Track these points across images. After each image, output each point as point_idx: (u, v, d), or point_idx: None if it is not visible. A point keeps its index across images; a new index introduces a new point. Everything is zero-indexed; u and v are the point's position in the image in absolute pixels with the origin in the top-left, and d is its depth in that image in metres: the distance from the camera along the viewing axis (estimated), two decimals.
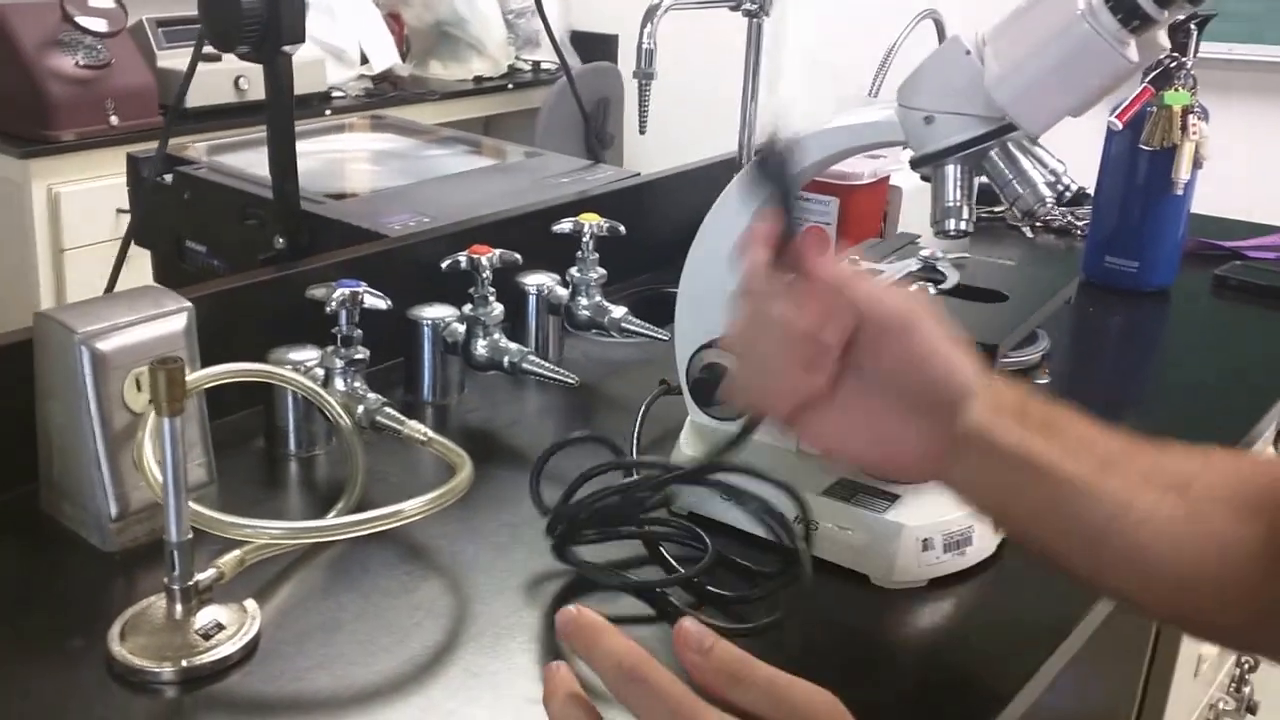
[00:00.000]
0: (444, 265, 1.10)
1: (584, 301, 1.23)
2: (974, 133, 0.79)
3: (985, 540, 0.89)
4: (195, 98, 2.94)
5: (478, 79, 3.76)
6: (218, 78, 3.01)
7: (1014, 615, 0.88)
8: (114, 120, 2.65)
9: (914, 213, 1.40)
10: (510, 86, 3.81)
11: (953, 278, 0.90)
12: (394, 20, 3.58)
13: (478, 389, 1.19)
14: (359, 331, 1.02)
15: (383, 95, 3.40)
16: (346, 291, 1.00)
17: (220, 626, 0.80)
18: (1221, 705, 1.55)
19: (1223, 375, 1.34)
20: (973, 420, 0.67)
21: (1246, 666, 1.57)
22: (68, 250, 2.57)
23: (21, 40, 2.57)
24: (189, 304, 0.94)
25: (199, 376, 0.89)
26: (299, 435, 1.05)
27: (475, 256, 1.09)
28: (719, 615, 0.84)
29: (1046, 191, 0.80)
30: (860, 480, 0.91)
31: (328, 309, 1.00)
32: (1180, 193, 1.48)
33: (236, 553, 0.83)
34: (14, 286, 2.59)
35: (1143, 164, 1.49)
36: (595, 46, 3.98)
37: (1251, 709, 1.57)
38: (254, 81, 3.03)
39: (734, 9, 1.41)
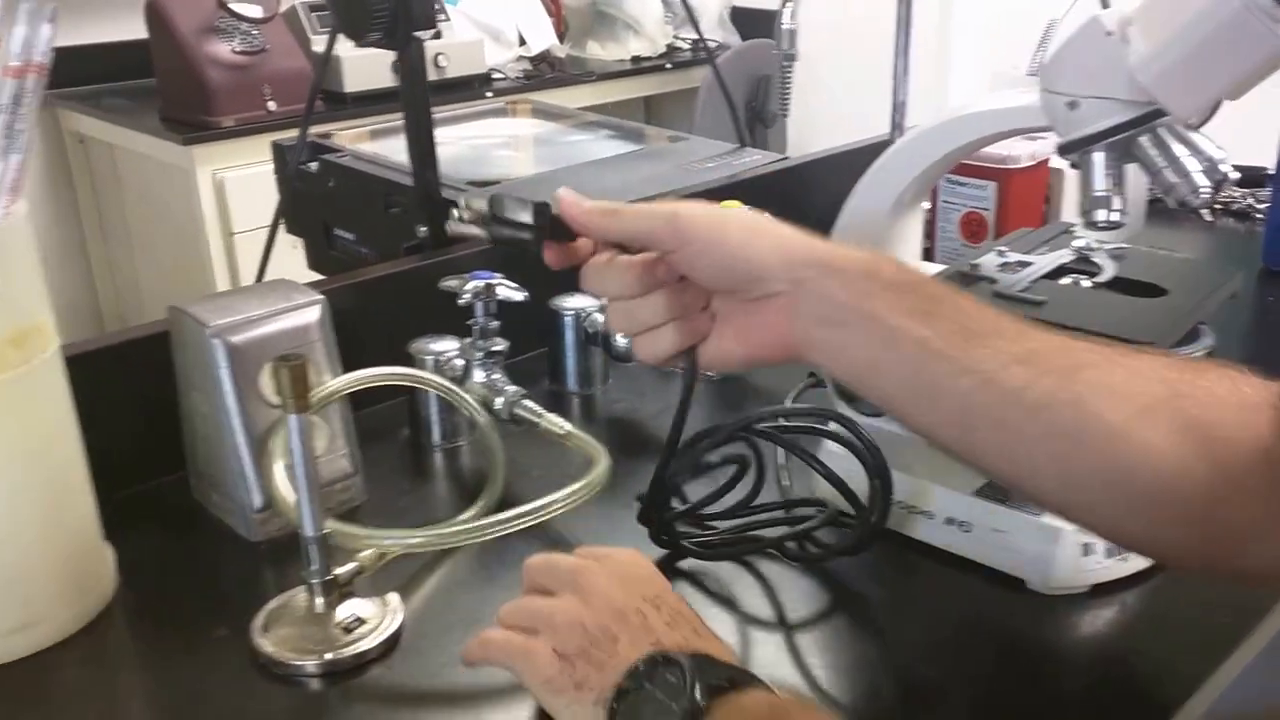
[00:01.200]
0: None
1: None
2: (1119, 118, 0.75)
3: None
4: (355, 82, 2.99)
5: (635, 59, 3.74)
6: (374, 62, 3.05)
7: (1183, 620, 0.82)
8: (271, 106, 2.69)
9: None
10: (669, 66, 3.78)
11: (1109, 270, 0.85)
12: (551, 1, 3.59)
13: (623, 379, 1.19)
14: (496, 323, 1.01)
15: (541, 76, 3.40)
16: (480, 283, 0.99)
17: (361, 620, 0.80)
18: None
19: None
20: (809, 291, 0.69)
21: None
22: (237, 234, 2.64)
23: (180, 28, 2.62)
24: (321, 297, 0.94)
25: (336, 385, 0.90)
26: (443, 426, 1.06)
27: None
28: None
29: (1202, 180, 0.74)
30: None
31: (459, 301, 1.00)
32: None
33: (374, 549, 0.84)
34: (189, 270, 2.67)
35: None
36: (756, 22, 3.93)
37: None
38: None
39: None
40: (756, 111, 3.72)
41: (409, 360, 1.02)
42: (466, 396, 0.96)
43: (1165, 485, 0.63)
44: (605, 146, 1.70)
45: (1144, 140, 0.75)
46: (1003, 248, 0.88)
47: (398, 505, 0.98)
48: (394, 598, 0.83)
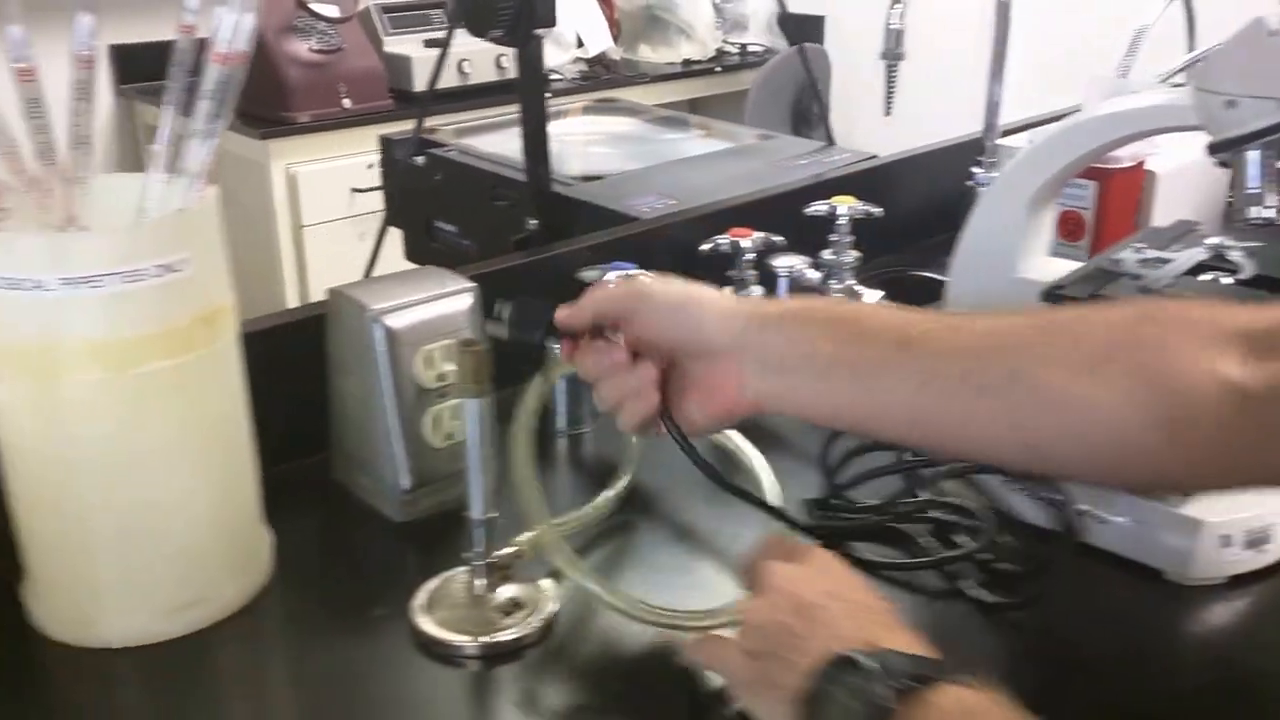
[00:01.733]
0: (703, 248, 1.12)
1: (836, 285, 1.22)
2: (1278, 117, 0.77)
3: None
4: (420, 82, 3.04)
5: (686, 62, 3.78)
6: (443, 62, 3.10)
7: None
8: (346, 103, 2.75)
9: (1169, 198, 1.36)
10: (718, 70, 3.81)
11: (1248, 267, 0.87)
12: (605, 4, 3.62)
13: None
14: None
15: (597, 78, 3.44)
16: (622, 274, 1.02)
17: (518, 604, 0.82)
18: None
19: None
20: (749, 347, 0.74)
21: None
22: (306, 227, 2.69)
23: (260, 26, 2.68)
24: (473, 285, 0.97)
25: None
26: (569, 413, 1.08)
27: (736, 240, 1.10)
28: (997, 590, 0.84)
29: None
30: None
31: None
32: None
33: (533, 532, 0.85)
34: (259, 261, 2.71)
35: None
36: (803, 28, 3.95)
37: None
38: (476, 66, 3.12)
39: None
40: (803, 115, 3.75)
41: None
42: None
43: (1120, 437, 0.65)
44: (697, 145, 1.73)
45: None
46: (1139, 244, 0.90)
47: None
48: (548, 583, 0.84)
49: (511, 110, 1.32)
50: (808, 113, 3.74)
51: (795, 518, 0.87)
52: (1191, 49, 1.60)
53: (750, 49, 3.94)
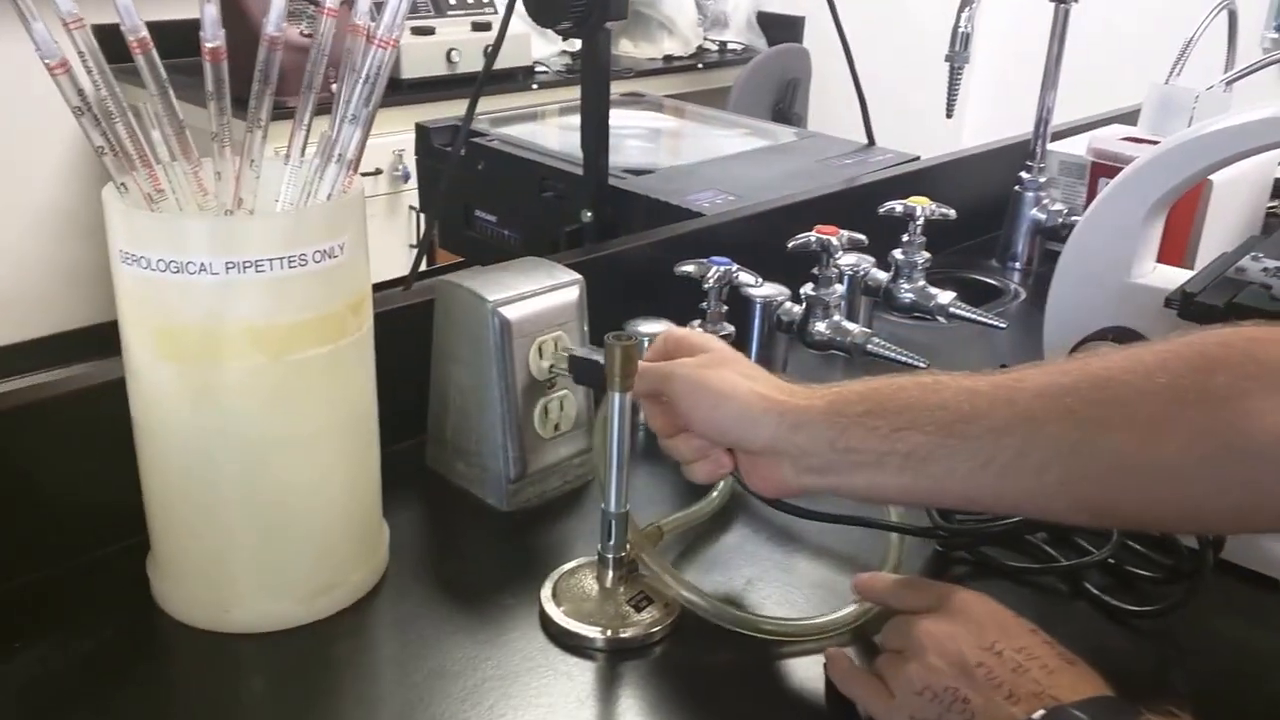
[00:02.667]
0: (791, 245, 1.12)
1: (905, 285, 1.23)
2: None
3: None
4: (410, 69, 3.01)
5: (668, 58, 3.79)
6: (430, 50, 3.08)
7: None
8: (335, 88, 2.71)
9: (1219, 208, 1.38)
10: (700, 66, 3.83)
11: None
12: None
13: (796, 367, 1.21)
14: (726, 308, 1.04)
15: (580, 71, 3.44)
16: (721, 269, 1.02)
17: (649, 599, 0.82)
18: None
19: None
20: (784, 453, 0.74)
21: None
22: None
23: (251, 8, 2.64)
24: (579, 277, 0.96)
25: None
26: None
27: (826, 237, 1.11)
28: (1127, 597, 0.84)
29: None
30: None
31: (704, 286, 1.02)
32: None
33: (656, 525, 0.86)
34: None
35: None
36: (782, 28, 3.98)
37: None
38: (465, 54, 3.10)
39: None
40: (783, 113, 3.78)
41: None
42: None
43: (1196, 499, 0.64)
44: (736, 141, 1.73)
45: None
46: (1258, 253, 0.91)
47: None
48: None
49: (519, 102, 1.29)
50: (788, 111, 3.77)
51: (915, 526, 0.88)
52: (1231, 58, 1.63)
53: (730, 46, 3.96)
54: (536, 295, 0.93)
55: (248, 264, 0.69)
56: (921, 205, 1.21)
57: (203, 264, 0.69)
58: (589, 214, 1.35)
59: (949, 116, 1.33)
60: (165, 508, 0.78)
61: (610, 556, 0.82)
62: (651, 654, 0.79)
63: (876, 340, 1.11)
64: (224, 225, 0.73)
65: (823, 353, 1.15)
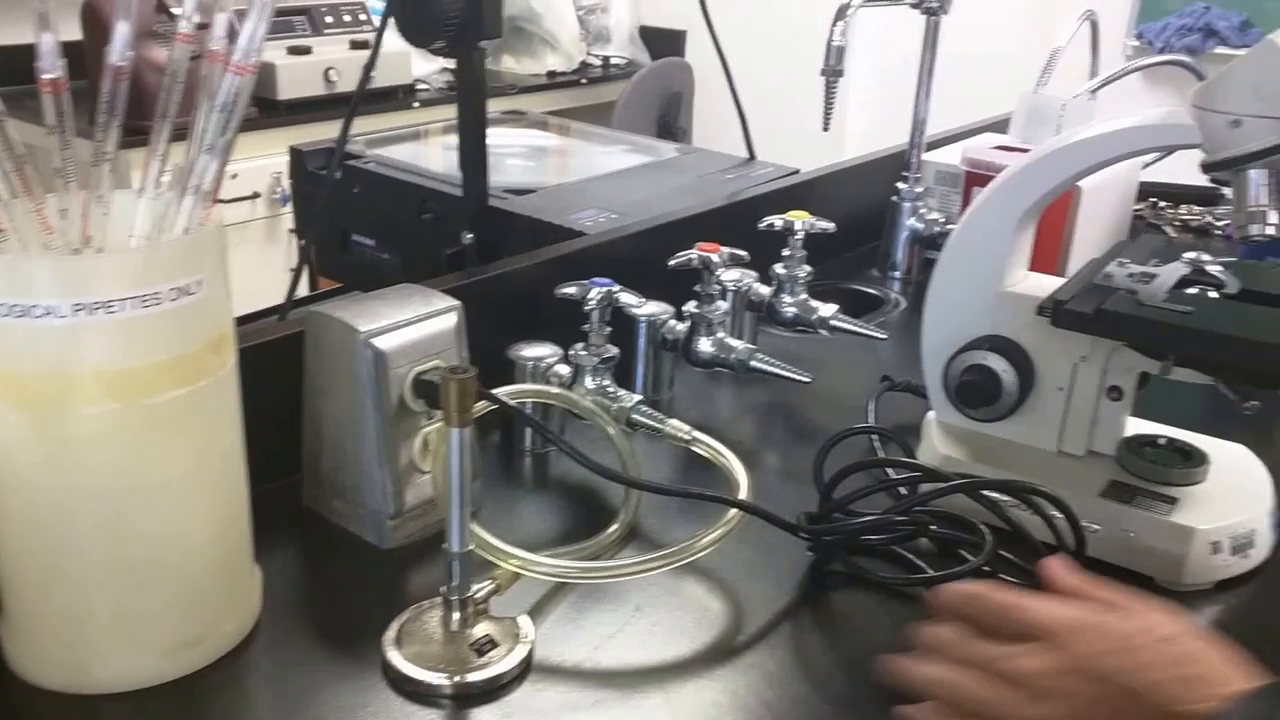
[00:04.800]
0: (672, 263, 1.10)
1: (788, 299, 1.23)
2: None
3: (1265, 542, 0.90)
4: (286, 90, 2.96)
5: (551, 73, 3.77)
6: (307, 70, 3.02)
7: None
8: None
9: (1089, 214, 1.39)
10: (583, 81, 3.82)
11: (1233, 283, 0.90)
12: None
13: (688, 383, 1.20)
14: (609, 329, 1.02)
15: None
16: (603, 291, 1.00)
17: (494, 643, 0.79)
18: None
19: None
20: None
21: None
22: None
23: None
24: (457, 303, 0.94)
25: (499, 395, 0.90)
26: (535, 433, 1.06)
27: (707, 254, 1.10)
28: None
29: None
30: (1134, 482, 0.91)
31: (586, 308, 1.00)
32: None
33: (512, 566, 0.83)
34: None
35: None
36: (664, 42, 3.99)
37: None
38: (343, 74, 3.04)
39: (914, 6, 1.41)
40: (668, 127, 3.79)
41: (508, 365, 1.02)
42: (596, 409, 0.96)
43: None
44: (618, 158, 1.71)
45: None
46: (1121, 259, 0.92)
47: (513, 513, 0.98)
48: (525, 621, 0.81)
49: (401, 121, 1.27)
50: (673, 125, 3.78)
51: (790, 521, 0.88)
52: (1095, 66, 1.66)
53: (614, 61, 3.95)
54: (411, 324, 0.90)
55: (97, 305, 0.66)
56: (801, 219, 1.21)
57: (48, 307, 0.65)
58: (469, 235, 1.33)
59: (825, 129, 1.33)
60: (16, 565, 0.74)
61: (454, 599, 0.78)
62: (498, 699, 0.76)
63: (760, 356, 1.11)
64: (70, 265, 0.69)
65: (708, 370, 1.15)
